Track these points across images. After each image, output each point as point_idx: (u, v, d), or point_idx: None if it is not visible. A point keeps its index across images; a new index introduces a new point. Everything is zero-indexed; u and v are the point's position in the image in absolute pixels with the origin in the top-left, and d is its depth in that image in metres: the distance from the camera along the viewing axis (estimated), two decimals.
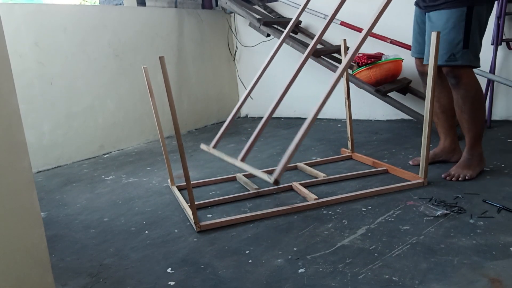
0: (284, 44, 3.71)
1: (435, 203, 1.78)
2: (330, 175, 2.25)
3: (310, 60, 3.57)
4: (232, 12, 4.29)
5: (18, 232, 1.04)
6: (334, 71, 3.28)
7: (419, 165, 2.09)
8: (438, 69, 2.13)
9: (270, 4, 4.12)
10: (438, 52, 1.91)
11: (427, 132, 1.95)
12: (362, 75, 3.23)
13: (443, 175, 2.07)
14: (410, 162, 2.35)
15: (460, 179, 2.01)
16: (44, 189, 2.52)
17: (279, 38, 3.60)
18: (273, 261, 1.43)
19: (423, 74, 2.18)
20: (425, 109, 1.94)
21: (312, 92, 4.05)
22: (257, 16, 3.71)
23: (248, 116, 4.62)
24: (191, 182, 2.07)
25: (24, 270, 1.05)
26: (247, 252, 1.51)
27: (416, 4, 2.14)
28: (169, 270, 1.44)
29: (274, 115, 4.42)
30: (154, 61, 3.55)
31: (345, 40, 2.51)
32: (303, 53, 3.43)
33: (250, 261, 1.45)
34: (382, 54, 3.30)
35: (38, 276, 1.08)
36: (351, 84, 3.18)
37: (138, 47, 3.53)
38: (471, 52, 1.93)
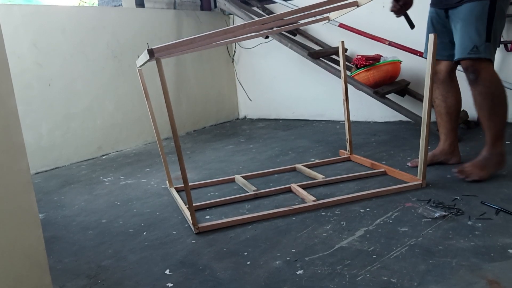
0: (282, 46, 3.73)
1: (434, 204, 1.78)
2: (329, 176, 2.25)
3: (308, 62, 3.59)
4: (230, 14, 4.29)
5: (16, 234, 1.03)
6: (333, 73, 3.30)
7: (417, 166, 2.09)
8: (449, 68, 2.13)
9: (269, 6, 4.12)
10: (461, 45, 1.91)
11: (425, 134, 1.95)
12: (360, 76, 3.23)
13: (454, 169, 2.05)
14: (409, 164, 2.35)
15: (468, 179, 1.98)
16: (42, 191, 2.52)
17: (278, 40, 3.62)
18: (271, 263, 1.43)
19: (434, 73, 2.15)
20: (423, 111, 1.95)
21: (311, 94, 4.06)
22: (256, 18, 3.71)
23: (247, 117, 4.62)
24: (190, 184, 2.07)
25: (22, 271, 1.05)
26: (245, 253, 1.51)
27: (433, 4, 2.11)
28: (167, 271, 1.44)
29: (273, 117, 4.46)
30: (153, 62, 3.54)
31: (343, 42, 2.51)
32: (302, 55, 3.44)
33: (248, 262, 1.45)
34: (381, 56, 3.31)
35: (36, 277, 1.08)
36: (349, 86, 3.19)
37: (137, 48, 3.52)
38: (493, 46, 1.92)
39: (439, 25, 2.11)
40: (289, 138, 3.37)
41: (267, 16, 1.90)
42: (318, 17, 2.33)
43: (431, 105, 1.93)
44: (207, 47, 2.29)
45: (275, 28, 2.39)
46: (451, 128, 2.25)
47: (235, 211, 1.93)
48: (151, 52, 1.60)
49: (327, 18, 2.39)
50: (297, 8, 1.92)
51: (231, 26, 1.79)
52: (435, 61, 2.16)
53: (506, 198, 1.78)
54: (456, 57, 2.00)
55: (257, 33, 2.17)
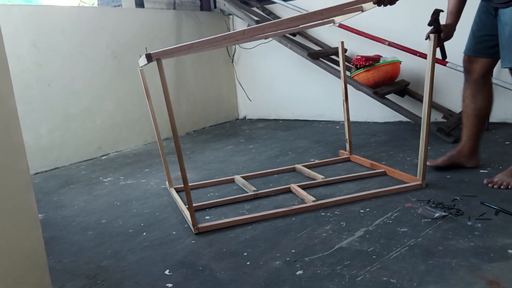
0: (282, 47, 3.73)
1: (433, 205, 1.78)
2: (328, 177, 2.24)
3: (308, 63, 3.59)
4: (230, 14, 4.29)
5: (15, 234, 1.03)
6: (333, 73, 3.30)
7: (437, 166, 2.08)
8: (485, 67, 2.04)
9: (269, 6, 4.12)
10: (511, 52, 1.81)
11: (425, 134, 1.95)
12: (360, 77, 3.23)
13: (485, 181, 1.97)
14: (428, 163, 2.20)
15: (502, 187, 1.89)
16: (41, 191, 2.52)
17: (277, 41, 3.62)
18: (271, 263, 1.43)
19: (468, 71, 2.09)
20: (423, 111, 1.94)
21: (311, 94, 4.06)
22: (256, 18, 3.71)
23: (247, 118, 4.62)
24: (189, 184, 2.07)
25: (22, 272, 1.05)
26: (245, 254, 1.51)
27: None
28: (167, 272, 1.44)
29: (272, 117, 4.46)
30: (153, 62, 3.54)
31: (342, 42, 2.51)
32: (302, 55, 3.44)
33: (248, 263, 1.45)
34: (380, 56, 3.31)
35: (35, 278, 1.08)
36: (349, 86, 3.19)
37: (137, 48, 3.52)
38: None
39: (488, 21, 1.97)
40: (289, 139, 3.37)
41: (268, 22, 1.86)
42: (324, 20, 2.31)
43: (430, 105, 1.93)
44: (207, 49, 2.29)
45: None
46: (476, 131, 2.14)
47: (234, 211, 1.93)
48: (149, 57, 1.62)
49: (332, 21, 2.38)
50: (304, 13, 1.88)
51: (230, 32, 1.79)
52: (472, 58, 2.06)
53: (506, 198, 1.78)
54: (506, 65, 1.89)
55: (259, 36, 2.17)
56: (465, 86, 2.14)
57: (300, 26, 2.51)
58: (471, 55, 2.08)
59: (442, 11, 1.94)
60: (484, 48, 2.03)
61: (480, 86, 2.09)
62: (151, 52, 1.62)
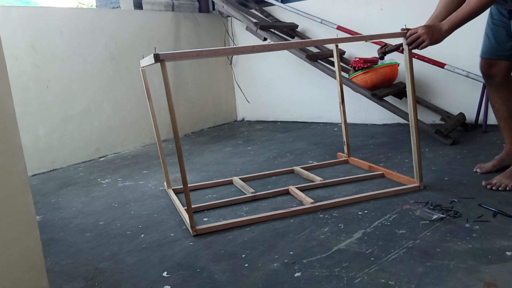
0: None
1: (431, 207, 1.78)
2: (327, 179, 2.25)
3: (306, 64, 3.60)
4: (229, 16, 4.30)
5: (13, 236, 1.03)
6: (331, 75, 3.30)
7: (488, 172, 2.08)
8: (507, 69, 2.02)
9: (267, 8, 4.13)
10: None
11: (415, 137, 1.95)
12: (358, 79, 3.24)
13: (483, 183, 1.97)
14: (478, 170, 2.19)
15: (500, 189, 1.90)
16: (39, 192, 2.51)
17: (275, 42, 3.62)
18: (269, 265, 1.43)
19: (489, 76, 2.05)
20: (409, 114, 1.95)
21: (309, 96, 4.07)
22: (254, 20, 3.72)
23: (245, 119, 4.62)
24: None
25: (19, 273, 1.05)
26: (243, 256, 1.51)
27: (496, 3, 1.94)
28: (164, 274, 1.44)
29: (271, 119, 4.46)
30: (153, 64, 3.54)
31: (337, 45, 2.49)
32: (300, 57, 3.45)
33: (246, 265, 1.45)
34: (379, 58, 3.31)
35: (33, 279, 1.08)
36: (347, 88, 3.19)
37: (135, 50, 3.53)
38: None
39: (500, 23, 1.98)
40: (287, 140, 3.37)
41: (279, 43, 1.97)
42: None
43: (416, 107, 1.93)
44: (212, 57, 2.36)
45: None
46: None
47: (233, 213, 1.93)
48: (157, 57, 1.63)
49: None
50: (315, 40, 2.09)
51: (239, 46, 1.86)
52: (490, 61, 2.03)
53: (504, 200, 1.79)
54: None
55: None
56: (490, 90, 2.09)
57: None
58: (488, 57, 2.03)
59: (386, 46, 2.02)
60: (501, 50, 2.00)
61: (506, 87, 2.05)
62: (159, 53, 1.63)
